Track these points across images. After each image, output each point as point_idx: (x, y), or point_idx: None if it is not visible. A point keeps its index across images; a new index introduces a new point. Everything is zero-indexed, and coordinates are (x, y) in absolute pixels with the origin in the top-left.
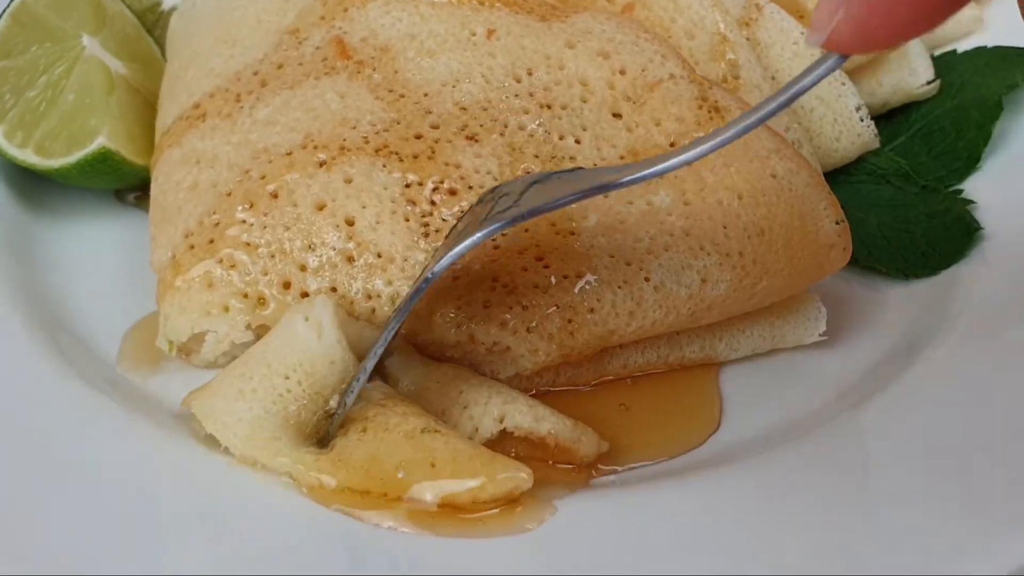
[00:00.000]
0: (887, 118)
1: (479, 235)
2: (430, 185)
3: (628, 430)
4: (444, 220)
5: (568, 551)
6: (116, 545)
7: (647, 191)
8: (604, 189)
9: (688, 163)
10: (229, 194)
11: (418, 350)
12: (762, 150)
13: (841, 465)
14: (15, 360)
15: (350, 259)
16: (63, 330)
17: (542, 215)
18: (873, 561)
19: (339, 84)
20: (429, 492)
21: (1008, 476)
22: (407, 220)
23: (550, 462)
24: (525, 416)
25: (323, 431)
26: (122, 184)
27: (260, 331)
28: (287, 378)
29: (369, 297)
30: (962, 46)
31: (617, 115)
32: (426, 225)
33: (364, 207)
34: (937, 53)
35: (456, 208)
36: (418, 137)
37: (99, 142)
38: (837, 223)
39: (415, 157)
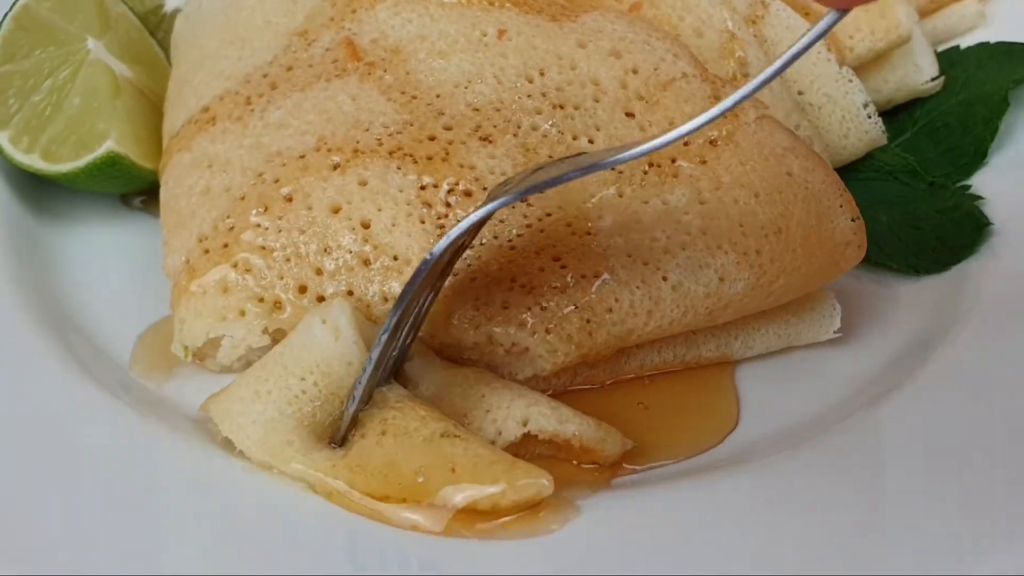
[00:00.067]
0: (892, 115)
1: (478, 214)
2: (445, 187)
3: (647, 429)
4: (459, 222)
5: (593, 552)
6: (117, 546)
7: (662, 190)
8: (599, 167)
9: (691, 132)
10: (243, 198)
11: (436, 353)
12: (777, 148)
13: (863, 464)
14: (24, 362)
15: (366, 262)
16: (74, 334)
17: (540, 192)
18: (893, 559)
19: (350, 86)
20: (459, 495)
21: None
22: (423, 222)
23: (575, 462)
24: (549, 419)
25: (339, 430)
26: (129, 188)
27: (276, 335)
28: (303, 379)
29: (386, 300)
30: (965, 42)
31: (630, 114)
32: (442, 227)
33: (380, 210)
34: (941, 49)
35: (471, 209)
36: (432, 139)
37: (107, 146)
38: (853, 220)
39: (429, 159)
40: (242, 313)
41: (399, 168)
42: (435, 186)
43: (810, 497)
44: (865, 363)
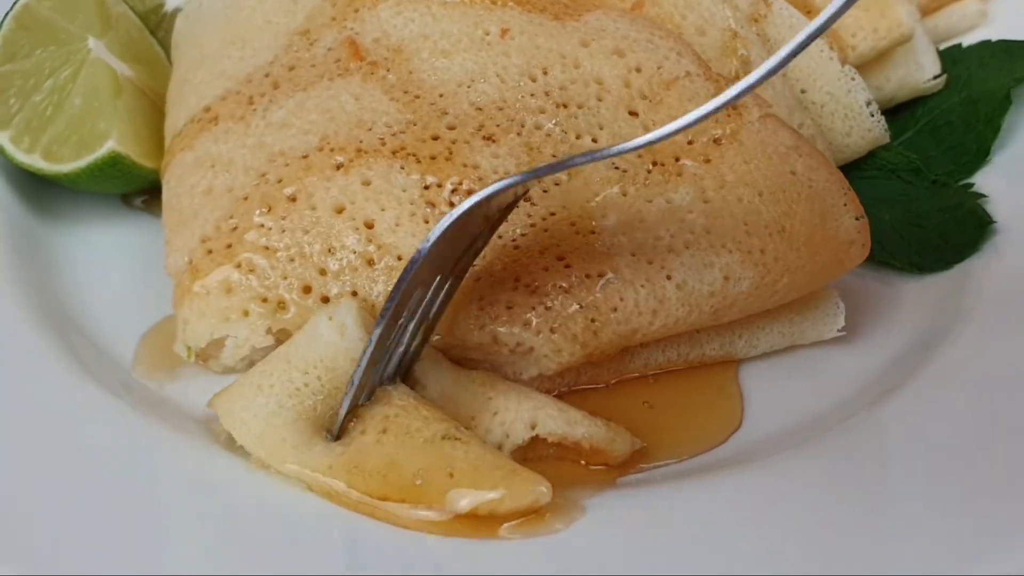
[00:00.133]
0: (894, 113)
1: (474, 200)
2: (449, 186)
3: (652, 428)
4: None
5: (597, 552)
6: (118, 546)
7: (666, 188)
8: (601, 156)
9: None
10: (246, 198)
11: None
12: (781, 147)
13: (867, 463)
14: (26, 362)
15: (370, 262)
16: (75, 335)
17: (539, 177)
18: (897, 558)
19: (353, 85)
20: (463, 500)
21: None
22: (427, 222)
23: (583, 462)
24: (558, 421)
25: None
26: (131, 188)
27: (280, 335)
28: (307, 373)
29: None
30: (967, 40)
31: (634, 113)
32: None
33: (383, 210)
34: (942, 47)
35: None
36: (435, 138)
37: (109, 146)
38: (857, 219)
39: (433, 158)
40: (246, 313)
41: (403, 168)
42: (439, 186)
43: (814, 496)
44: (868, 361)
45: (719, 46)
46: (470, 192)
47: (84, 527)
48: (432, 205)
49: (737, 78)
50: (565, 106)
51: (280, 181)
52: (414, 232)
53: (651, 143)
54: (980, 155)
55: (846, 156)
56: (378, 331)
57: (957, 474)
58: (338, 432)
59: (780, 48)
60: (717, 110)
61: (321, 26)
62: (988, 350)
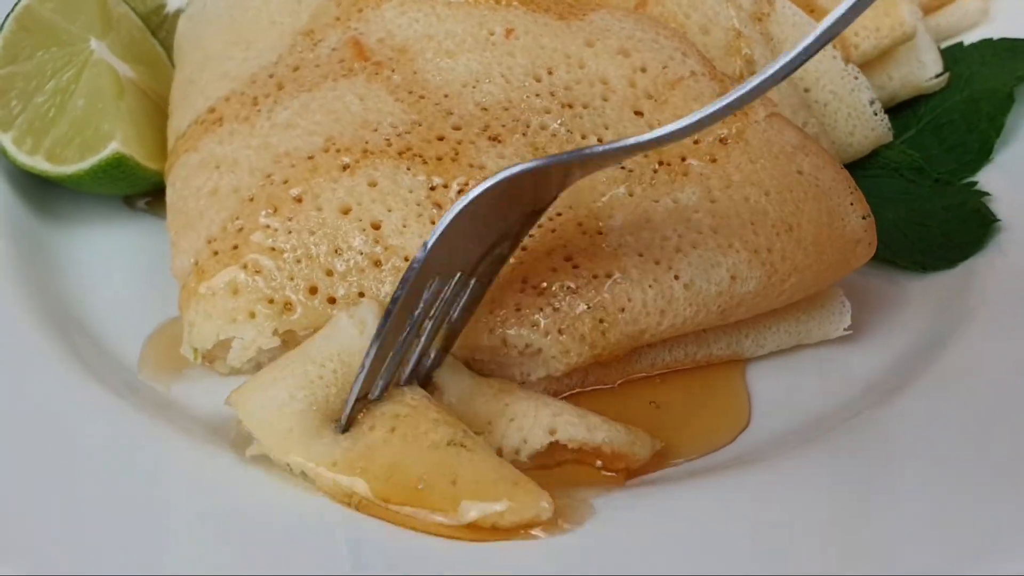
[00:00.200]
0: (896, 112)
1: (475, 192)
2: (455, 187)
3: (659, 428)
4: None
5: (606, 551)
6: (120, 546)
7: (672, 188)
8: (602, 151)
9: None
10: (252, 199)
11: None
12: (787, 146)
13: (874, 462)
14: (29, 364)
15: (377, 263)
16: (79, 336)
17: (537, 169)
18: (903, 558)
19: (358, 86)
20: (471, 511)
21: None
22: (433, 223)
23: (599, 464)
24: (578, 427)
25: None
26: (134, 189)
27: (287, 337)
28: (322, 366)
29: None
30: (969, 38)
31: (639, 113)
32: None
33: (390, 211)
34: (944, 46)
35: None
36: (441, 139)
37: (113, 147)
38: (863, 218)
39: (439, 159)
40: (252, 315)
41: (409, 169)
42: (445, 186)
43: (821, 496)
44: (875, 361)
45: (723, 45)
46: None
47: (86, 528)
48: (438, 206)
49: (741, 77)
50: (570, 106)
51: (286, 182)
52: (421, 233)
53: (653, 140)
54: (983, 153)
55: (850, 155)
56: (388, 320)
57: (963, 472)
58: (347, 422)
59: (783, 47)
60: (726, 112)
61: (325, 26)
62: (993, 348)
